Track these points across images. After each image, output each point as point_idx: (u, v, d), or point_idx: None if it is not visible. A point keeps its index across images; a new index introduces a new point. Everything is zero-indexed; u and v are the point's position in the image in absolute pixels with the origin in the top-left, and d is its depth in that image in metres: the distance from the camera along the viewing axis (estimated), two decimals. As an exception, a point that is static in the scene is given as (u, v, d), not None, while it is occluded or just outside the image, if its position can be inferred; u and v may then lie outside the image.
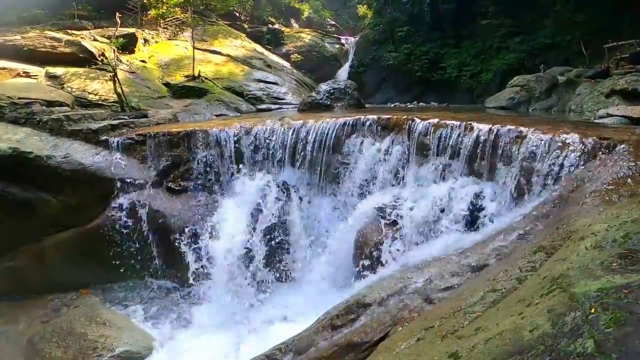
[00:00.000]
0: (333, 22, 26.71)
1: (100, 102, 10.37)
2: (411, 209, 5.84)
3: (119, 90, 10.12)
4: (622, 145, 4.30)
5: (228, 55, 16.70)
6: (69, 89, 10.36)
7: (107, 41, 12.62)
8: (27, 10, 14.35)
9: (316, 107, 10.85)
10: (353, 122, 7.25)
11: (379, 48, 19.52)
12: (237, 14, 21.43)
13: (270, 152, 7.53)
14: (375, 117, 7.16)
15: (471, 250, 4.26)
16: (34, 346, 5.75)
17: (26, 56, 10.89)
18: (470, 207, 5.43)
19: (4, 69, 10.30)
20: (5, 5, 14.29)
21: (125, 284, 7.26)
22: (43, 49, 11.23)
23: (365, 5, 23.34)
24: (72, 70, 11.13)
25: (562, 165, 4.78)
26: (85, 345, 5.62)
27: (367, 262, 5.77)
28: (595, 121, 7.49)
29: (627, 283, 1.56)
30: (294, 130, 7.44)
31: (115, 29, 12.63)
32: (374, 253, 5.75)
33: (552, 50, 14.60)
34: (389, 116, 7.08)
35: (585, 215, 3.26)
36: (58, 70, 10.88)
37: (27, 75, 10.45)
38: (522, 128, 5.44)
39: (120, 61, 12.54)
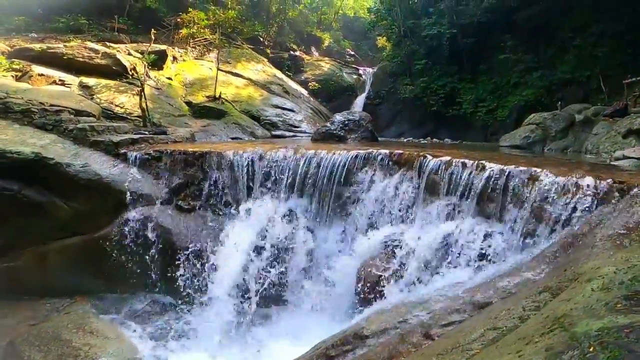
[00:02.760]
0: (352, 52, 27.50)
1: (125, 115, 10.78)
2: (417, 245, 5.78)
3: (143, 105, 10.51)
4: (636, 190, 4.22)
5: (249, 79, 17.26)
6: (98, 100, 10.82)
7: (140, 56, 13.26)
8: (75, 19, 15.30)
9: (330, 137, 10.98)
10: (365, 155, 7.29)
11: (395, 80, 19.80)
12: (261, 39, 22.29)
13: (281, 179, 7.59)
14: (387, 151, 7.19)
15: (476, 289, 4.16)
16: (14, 347, 5.68)
17: (65, 64, 11.51)
18: (478, 247, 5.34)
19: (42, 75, 10.88)
20: (56, 12, 15.26)
21: (123, 296, 7.25)
22: (81, 59, 11.84)
23: (384, 37, 23.89)
24: (104, 81, 11.66)
25: (574, 209, 4.70)
26: (67, 351, 5.53)
27: (368, 295, 5.67)
28: (612, 163, 7.33)
29: (629, 323, 1.51)
30: (305, 160, 7.51)
31: (149, 44, 13.26)
32: (376, 286, 5.66)
33: (570, 86, 14.37)
34: (401, 151, 7.10)
35: (594, 258, 3.18)
36: (91, 81, 11.42)
37: (62, 83, 10.99)
38: (534, 169, 5.40)
39: (149, 77, 13.10)
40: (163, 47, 15.06)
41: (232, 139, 12.32)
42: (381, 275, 5.71)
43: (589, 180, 4.77)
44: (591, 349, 1.41)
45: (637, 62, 12.51)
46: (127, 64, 12.47)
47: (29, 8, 15.18)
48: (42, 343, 5.70)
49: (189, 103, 13.68)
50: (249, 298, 6.77)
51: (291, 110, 16.13)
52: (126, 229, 7.26)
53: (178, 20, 16.62)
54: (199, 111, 13.27)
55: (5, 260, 7.06)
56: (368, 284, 5.75)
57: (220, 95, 14.19)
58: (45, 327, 6.10)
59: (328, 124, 11.69)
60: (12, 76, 10.61)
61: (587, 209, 4.55)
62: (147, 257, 7.26)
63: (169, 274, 7.23)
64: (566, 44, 15.12)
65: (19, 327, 6.20)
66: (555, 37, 15.50)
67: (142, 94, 10.46)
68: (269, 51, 21.56)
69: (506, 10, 16.61)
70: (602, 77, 13.15)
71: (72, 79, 11.26)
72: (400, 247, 5.89)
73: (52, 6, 15.33)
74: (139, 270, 7.24)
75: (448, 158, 6.37)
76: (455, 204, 5.97)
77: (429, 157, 6.58)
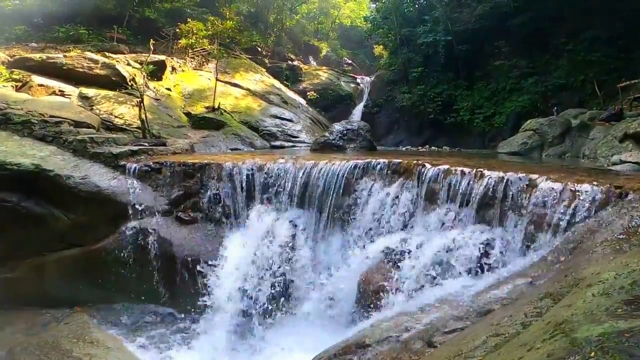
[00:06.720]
0: (350, 61, 27.77)
1: (124, 126, 10.81)
2: (418, 253, 5.77)
3: (143, 116, 10.52)
4: (633, 194, 4.25)
5: (248, 89, 17.37)
6: (98, 111, 10.86)
7: (139, 66, 13.32)
8: (74, 29, 15.42)
9: (328, 147, 11.01)
10: (364, 165, 7.29)
11: (393, 88, 19.95)
12: (259, 49, 22.47)
13: (281, 190, 7.59)
14: (385, 161, 7.20)
15: (477, 296, 4.15)
16: (14, 356, 5.63)
17: (64, 75, 11.58)
18: (479, 254, 5.34)
19: (42, 85, 10.93)
20: (56, 22, 15.39)
21: (123, 306, 7.21)
22: (80, 69, 11.91)
23: (381, 46, 24.12)
24: (103, 92, 11.71)
25: (573, 214, 4.71)
26: (67, 361, 5.48)
27: (370, 304, 5.65)
28: (609, 167, 7.36)
29: (629, 327, 1.52)
30: (305, 171, 7.52)
31: (148, 55, 13.33)
32: (378, 295, 5.63)
33: (566, 91, 14.50)
34: (400, 160, 7.10)
35: (594, 263, 3.19)
36: (90, 92, 11.47)
37: (62, 94, 11.05)
38: (532, 176, 5.43)
39: (148, 87, 13.14)
40: (162, 57, 15.16)
41: (232, 150, 12.35)
42: (382, 284, 5.69)
43: (587, 186, 4.79)
44: (592, 355, 1.41)
45: (630, 66, 12.64)
46: (126, 75, 12.52)
47: (29, 17, 15.32)
48: (42, 352, 5.64)
49: (188, 114, 13.75)
50: (250, 308, 6.73)
51: (290, 120, 16.21)
52: (126, 240, 7.25)
53: (177, 30, 16.77)
54: (198, 122, 13.32)
55: (3, 270, 7.05)
56: (369, 293, 5.72)
57: (219, 106, 14.26)
58: (44, 336, 6.05)
59: (327, 134, 11.74)
60: (12, 86, 10.67)
61: (585, 214, 4.57)
62: (147, 268, 7.24)
63: (169, 285, 7.21)
64: (560, 50, 15.30)
65: (17, 337, 6.17)
66: (549, 43, 15.69)
67: (142, 104, 10.48)
68: (267, 61, 21.73)
69: (500, 17, 16.85)
70: (596, 81, 13.26)
71: (72, 90, 11.32)
72: (401, 256, 5.88)
73: (52, 16, 15.49)
74: (138, 281, 7.22)
75: (446, 166, 6.38)
76: (455, 212, 5.98)
77: (428, 165, 6.59)
